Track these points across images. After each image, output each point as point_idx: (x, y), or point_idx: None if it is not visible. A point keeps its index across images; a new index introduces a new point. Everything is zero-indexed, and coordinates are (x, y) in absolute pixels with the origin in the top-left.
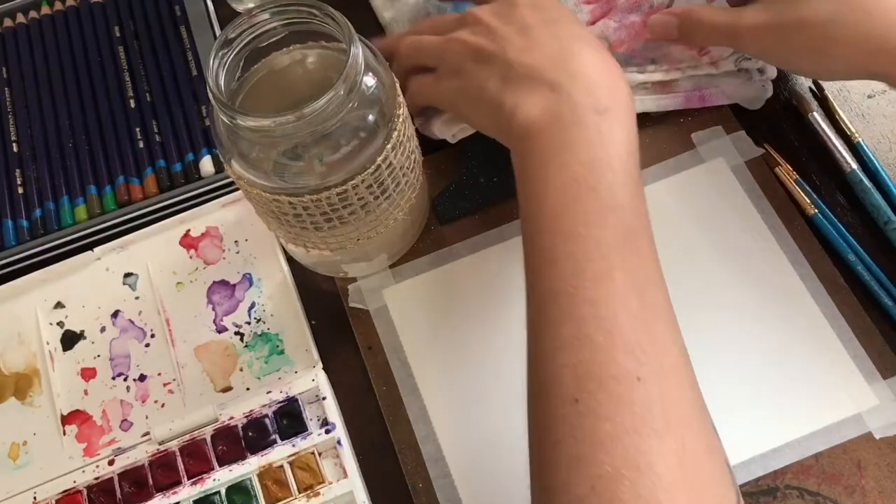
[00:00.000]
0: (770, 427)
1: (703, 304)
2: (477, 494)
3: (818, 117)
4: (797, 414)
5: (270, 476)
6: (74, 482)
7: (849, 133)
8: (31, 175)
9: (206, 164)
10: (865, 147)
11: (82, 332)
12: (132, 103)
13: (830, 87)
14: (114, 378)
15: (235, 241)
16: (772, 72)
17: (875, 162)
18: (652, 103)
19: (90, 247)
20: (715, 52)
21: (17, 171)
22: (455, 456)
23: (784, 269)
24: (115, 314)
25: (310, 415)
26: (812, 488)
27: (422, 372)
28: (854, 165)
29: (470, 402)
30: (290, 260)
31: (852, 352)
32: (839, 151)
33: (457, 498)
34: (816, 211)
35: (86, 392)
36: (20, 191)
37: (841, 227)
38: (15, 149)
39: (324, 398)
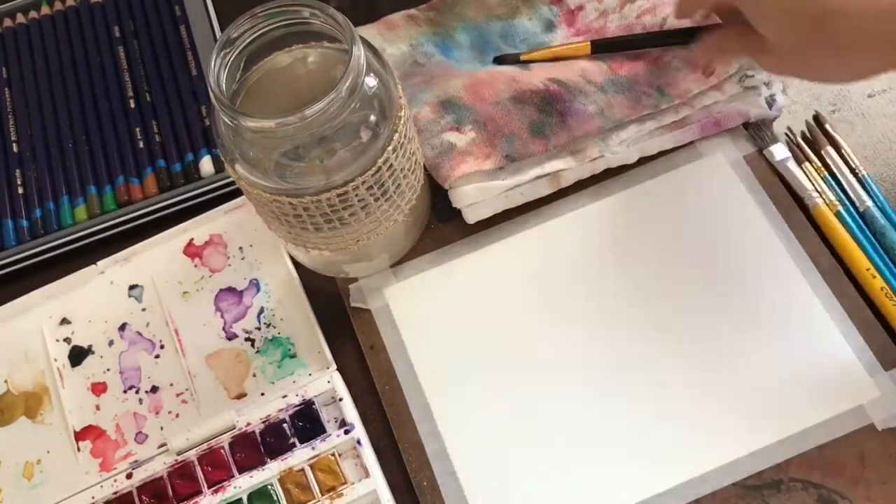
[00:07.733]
0: (773, 420)
1: (703, 299)
2: (482, 491)
3: (832, 152)
4: (800, 406)
5: (292, 480)
6: (93, 498)
7: (853, 166)
8: (31, 175)
9: (206, 164)
10: (871, 182)
11: (90, 346)
12: (132, 103)
13: (829, 90)
14: (125, 391)
15: (240, 248)
16: (778, 85)
17: (881, 197)
18: (669, 141)
19: (90, 247)
20: (720, 70)
21: (17, 171)
22: (459, 453)
23: (784, 263)
24: (123, 327)
25: (327, 416)
26: (816, 480)
27: (424, 370)
28: (869, 203)
29: (473, 398)
30: (296, 262)
31: (853, 344)
32: (853, 188)
33: (462, 495)
34: (841, 207)
35: (97, 407)
36: (20, 191)
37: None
38: (15, 149)
39: (340, 399)
